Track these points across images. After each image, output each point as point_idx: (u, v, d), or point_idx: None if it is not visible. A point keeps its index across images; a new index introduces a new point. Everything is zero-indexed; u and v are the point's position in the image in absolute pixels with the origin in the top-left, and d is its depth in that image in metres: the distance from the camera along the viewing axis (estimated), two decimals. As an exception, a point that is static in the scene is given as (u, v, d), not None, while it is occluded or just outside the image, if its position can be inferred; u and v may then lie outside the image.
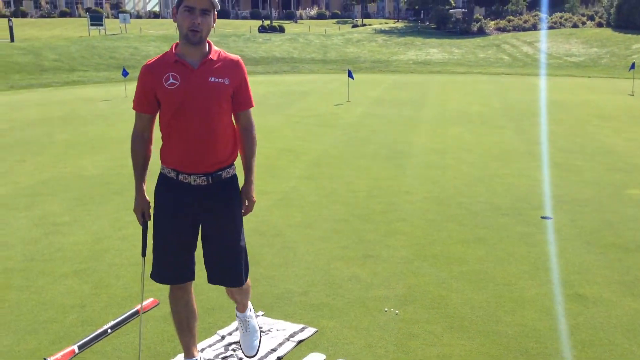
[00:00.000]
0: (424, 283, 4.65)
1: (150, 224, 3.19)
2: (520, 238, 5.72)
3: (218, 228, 3.11)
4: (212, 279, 3.21)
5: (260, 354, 3.55)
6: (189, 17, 2.84)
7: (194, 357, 3.27)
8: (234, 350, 3.63)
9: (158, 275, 3.19)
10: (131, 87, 19.63)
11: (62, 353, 3.51)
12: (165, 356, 3.57)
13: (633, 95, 18.49)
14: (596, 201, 6.98)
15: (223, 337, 3.78)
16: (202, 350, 3.62)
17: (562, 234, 5.82)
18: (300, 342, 3.73)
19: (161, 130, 3.04)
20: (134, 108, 3.08)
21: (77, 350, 3.58)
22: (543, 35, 37.35)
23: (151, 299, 4.28)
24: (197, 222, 3.09)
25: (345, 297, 4.40)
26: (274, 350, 3.62)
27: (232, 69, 2.99)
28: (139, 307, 4.14)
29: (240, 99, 3.06)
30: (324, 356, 3.56)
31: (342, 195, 7.20)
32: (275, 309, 4.22)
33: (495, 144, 10.59)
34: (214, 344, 3.70)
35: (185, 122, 2.94)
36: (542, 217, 6.35)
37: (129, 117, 13.71)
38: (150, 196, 3.18)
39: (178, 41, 2.99)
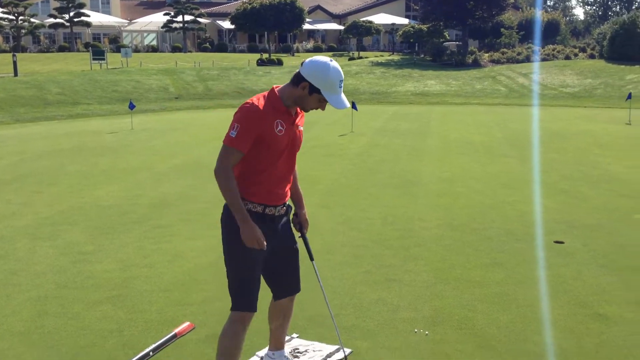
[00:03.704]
0: (449, 305, 4.79)
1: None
2: (537, 262, 5.88)
3: (289, 248, 3.50)
4: (281, 294, 3.55)
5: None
6: (320, 106, 3.25)
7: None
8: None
9: (252, 305, 3.31)
10: (137, 120, 19.88)
11: (109, 374, 3.63)
12: (207, 377, 3.69)
13: (630, 124, 18.82)
14: (606, 226, 7.15)
15: (262, 359, 3.90)
16: (244, 370, 3.74)
17: (576, 258, 5.98)
18: (337, 362, 3.85)
19: (251, 169, 3.23)
20: (233, 145, 3.11)
21: (122, 372, 3.70)
22: (537, 66, 37.98)
23: (187, 323, 4.40)
24: (271, 248, 3.32)
25: (375, 319, 4.54)
26: (313, 369, 3.75)
27: (303, 117, 3.41)
28: (177, 330, 4.26)
29: None
30: (362, 375, 3.69)
31: (358, 222, 7.36)
32: (308, 331, 4.35)
33: (502, 173, 10.80)
34: (253, 364, 3.82)
35: (280, 164, 3.26)
36: (555, 242, 6.52)
37: (137, 149, 13.91)
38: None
39: (278, 87, 3.26)
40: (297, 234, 3.59)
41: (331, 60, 3.18)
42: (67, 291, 5.17)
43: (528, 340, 4.17)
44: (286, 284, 3.52)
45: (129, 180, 10.23)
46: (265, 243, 3.21)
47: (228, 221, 3.28)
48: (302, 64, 3.22)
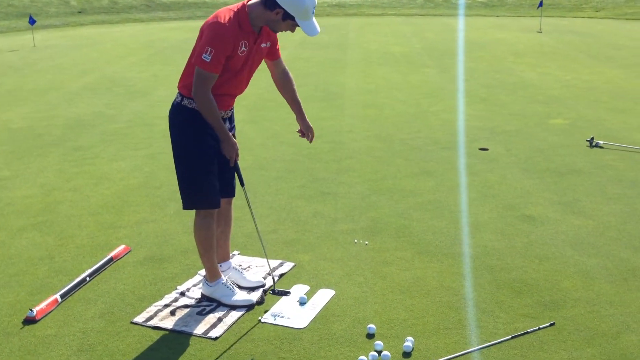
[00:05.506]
0: (385, 215, 4.87)
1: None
2: (464, 169, 6.05)
3: None
4: (224, 193, 3.54)
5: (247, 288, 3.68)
6: (291, 29, 3.22)
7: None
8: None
9: (213, 201, 3.40)
10: (39, 37, 18.55)
11: (46, 303, 3.47)
12: (151, 299, 3.61)
13: (541, 32, 19.34)
14: (525, 131, 7.42)
15: (204, 276, 3.84)
16: (188, 289, 3.69)
17: (500, 163, 6.20)
18: (281, 275, 3.86)
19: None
20: (211, 70, 3.11)
21: (59, 299, 3.55)
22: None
23: (122, 246, 4.26)
24: (218, 148, 3.39)
25: (314, 232, 4.56)
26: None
27: (270, 34, 3.35)
28: (113, 254, 4.12)
29: (275, 52, 3.49)
30: (307, 287, 3.72)
31: (286, 136, 7.28)
32: (248, 248, 4.32)
33: (423, 83, 10.91)
34: (197, 283, 3.77)
35: (236, 80, 3.30)
36: (480, 149, 6.71)
37: (43, 67, 13.05)
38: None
39: (246, 3, 3.18)
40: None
41: None
42: (-13, 220, 4.87)
43: (463, 243, 4.32)
44: (225, 184, 3.54)
45: (39, 100, 9.61)
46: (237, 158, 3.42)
47: (185, 125, 3.31)
48: None
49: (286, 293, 3.57)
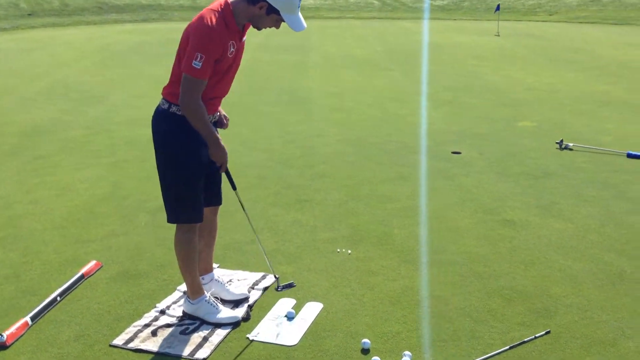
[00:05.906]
0: (365, 222, 4.76)
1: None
2: (438, 173, 5.99)
3: None
4: (206, 201, 3.35)
5: (232, 302, 3.50)
6: (276, 25, 3.08)
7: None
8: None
9: (198, 216, 3.25)
10: (-14, 39, 17.81)
11: (15, 327, 3.22)
12: (129, 319, 3.40)
13: (499, 35, 19.61)
14: (494, 134, 7.43)
15: (185, 293, 3.66)
16: (168, 307, 3.49)
17: (474, 167, 6.16)
18: (265, 289, 3.70)
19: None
20: (202, 77, 2.95)
21: (30, 322, 3.31)
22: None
23: (93, 262, 4.02)
24: (206, 156, 3.21)
25: (294, 242, 4.41)
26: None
27: (247, 28, 3.20)
28: (83, 270, 3.88)
29: None
30: (294, 301, 3.57)
31: (256, 142, 7.10)
32: (227, 260, 4.14)
33: (387, 86, 10.87)
34: (177, 300, 3.58)
35: (224, 79, 3.14)
36: (452, 152, 6.67)
37: (-5, 72, 12.52)
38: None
39: (229, 1, 3.01)
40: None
41: None
42: (-57, 236, 4.55)
43: (446, 250, 4.24)
44: (211, 193, 3.42)
45: (-10, 107, 9.17)
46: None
47: (174, 133, 3.12)
48: None
49: (291, 285, 3.55)
